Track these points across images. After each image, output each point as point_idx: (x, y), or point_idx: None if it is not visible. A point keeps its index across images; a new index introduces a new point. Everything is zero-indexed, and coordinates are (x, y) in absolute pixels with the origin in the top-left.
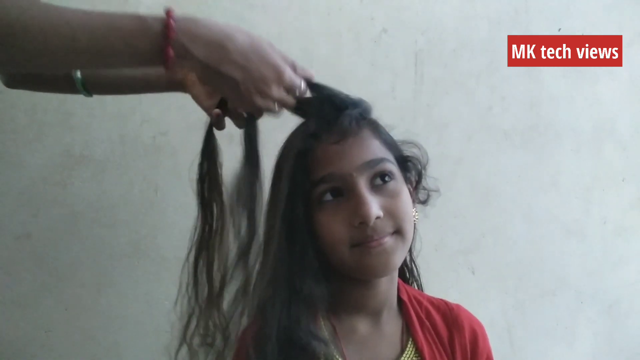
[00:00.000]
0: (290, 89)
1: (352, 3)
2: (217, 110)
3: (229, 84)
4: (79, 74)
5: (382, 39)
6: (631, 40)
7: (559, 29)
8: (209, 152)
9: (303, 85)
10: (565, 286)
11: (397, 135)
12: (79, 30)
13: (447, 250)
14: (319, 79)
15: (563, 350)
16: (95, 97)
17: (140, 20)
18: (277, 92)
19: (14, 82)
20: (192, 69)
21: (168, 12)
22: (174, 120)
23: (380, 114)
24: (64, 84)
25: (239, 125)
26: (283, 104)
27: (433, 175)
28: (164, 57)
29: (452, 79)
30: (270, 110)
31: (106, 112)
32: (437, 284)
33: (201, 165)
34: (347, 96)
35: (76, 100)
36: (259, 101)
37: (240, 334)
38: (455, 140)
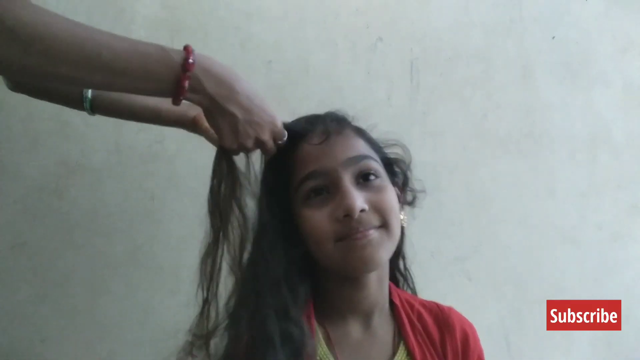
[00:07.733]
0: (276, 138)
1: (347, 12)
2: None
3: (229, 120)
4: (89, 93)
5: (377, 47)
6: (624, 48)
7: (553, 37)
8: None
9: (285, 137)
10: (561, 292)
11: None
12: (105, 47)
13: (444, 258)
14: (316, 87)
15: (560, 357)
16: None
17: (163, 50)
18: (267, 137)
19: (19, 87)
20: (199, 103)
21: (187, 48)
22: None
23: (377, 121)
24: (71, 98)
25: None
26: (266, 149)
27: (430, 183)
28: (178, 87)
29: (447, 87)
30: (253, 151)
31: (102, 121)
32: (433, 291)
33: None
34: None
35: (72, 109)
36: (250, 142)
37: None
38: (451, 148)
